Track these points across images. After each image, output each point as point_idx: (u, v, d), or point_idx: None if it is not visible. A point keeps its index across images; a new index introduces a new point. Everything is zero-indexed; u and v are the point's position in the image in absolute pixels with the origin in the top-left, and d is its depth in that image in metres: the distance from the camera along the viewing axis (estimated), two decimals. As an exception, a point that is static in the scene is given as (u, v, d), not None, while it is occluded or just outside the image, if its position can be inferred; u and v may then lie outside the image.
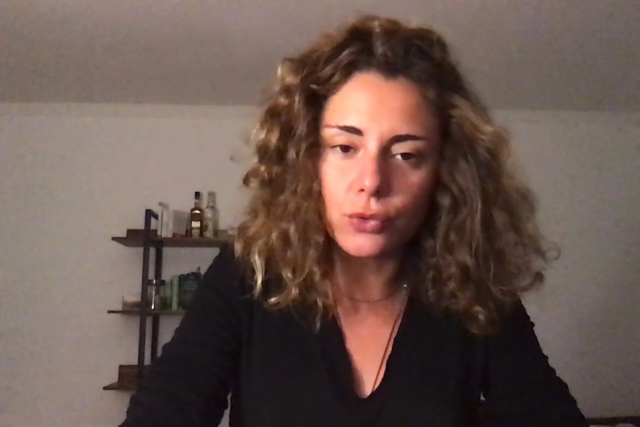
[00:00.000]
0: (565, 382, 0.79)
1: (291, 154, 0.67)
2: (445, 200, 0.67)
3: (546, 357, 0.81)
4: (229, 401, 0.75)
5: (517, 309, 0.80)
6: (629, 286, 3.70)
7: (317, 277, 0.68)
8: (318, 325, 0.71)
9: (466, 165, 0.66)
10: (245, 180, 0.71)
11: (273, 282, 0.71)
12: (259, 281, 0.70)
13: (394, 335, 0.76)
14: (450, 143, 0.67)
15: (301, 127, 0.66)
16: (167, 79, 3.36)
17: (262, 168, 0.68)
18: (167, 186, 3.63)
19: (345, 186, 0.64)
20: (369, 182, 0.61)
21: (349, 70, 0.65)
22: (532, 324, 0.83)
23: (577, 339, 3.57)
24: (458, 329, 0.75)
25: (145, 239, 3.40)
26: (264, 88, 0.69)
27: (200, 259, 3.39)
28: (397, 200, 0.63)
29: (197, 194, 3.54)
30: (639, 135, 3.84)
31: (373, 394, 0.73)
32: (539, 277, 0.72)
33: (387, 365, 0.75)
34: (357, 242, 0.65)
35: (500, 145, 0.66)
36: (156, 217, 3.49)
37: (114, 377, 3.46)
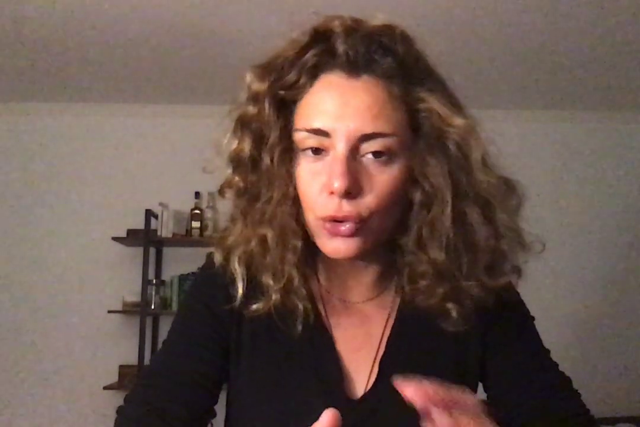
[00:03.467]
0: (568, 376, 0.78)
1: (265, 161, 0.67)
2: (417, 196, 0.66)
3: (548, 351, 0.80)
4: (216, 410, 0.75)
5: (515, 303, 0.80)
6: (628, 285, 3.70)
7: (296, 281, 0.68)
8: (299, 329, 0.71)
9: (436, 160, 0.65)
10: (221, 192, 0.72)
11: (254, 290, 0.71)
12: (240, 288, 0.71)
13: (385, 335, 0.75)
14: (420, 138, 0.65)
15: (273, 134, 0.67)
16: (167, 79, 3.36)
17: (237, 178, 0.69)
18: (167, 186, 3.63)
19: (317, 189, 0.64)
20: (338, 184, 0.60)
21: (314, 72, 0.65)
22: (533, 318, 0.82)
23: (576, 338, 3.57)
24: None
25: (145, 239, 3.40)
26: (233, 97, 0.70)
27: (200, 259, 3.31)
28: (369, 201, 0.63)
29: (197, 194, 3.54)
30: (634, 135, 3.84)
31: (365, 395, 0.73)
32: (517, 271, 0.70)
33: (379, 365, 0.74)
34: (333, 246, 0.65)
35: (469, 138, 0.64)
36: (156, 217, 3.48)
37: (114, 377, 3.46)
